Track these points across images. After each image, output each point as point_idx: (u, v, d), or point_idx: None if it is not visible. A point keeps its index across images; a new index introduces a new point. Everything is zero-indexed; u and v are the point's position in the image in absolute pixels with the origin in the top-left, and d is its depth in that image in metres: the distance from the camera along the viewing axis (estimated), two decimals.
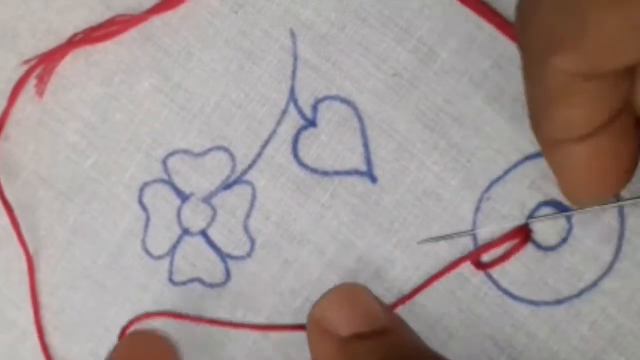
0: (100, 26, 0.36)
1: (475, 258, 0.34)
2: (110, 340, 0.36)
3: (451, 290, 0.34)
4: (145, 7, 0.36)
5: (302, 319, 0.35)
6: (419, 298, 0.34)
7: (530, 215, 0.33)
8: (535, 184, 0.33)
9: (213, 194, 0.36)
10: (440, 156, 0.34)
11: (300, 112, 0.35)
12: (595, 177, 0.30)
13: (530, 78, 0.29)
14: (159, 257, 0.36)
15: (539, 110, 0.29)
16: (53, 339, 0.37)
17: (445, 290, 0.34)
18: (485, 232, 0.34)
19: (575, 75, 0.27)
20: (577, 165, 0.30)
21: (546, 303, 0.33)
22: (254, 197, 0.35)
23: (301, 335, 0.35)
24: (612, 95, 0.28)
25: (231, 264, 0.36)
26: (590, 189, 0.30)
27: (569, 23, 0.26)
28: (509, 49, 0.33)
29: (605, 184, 0.30)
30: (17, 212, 0.37)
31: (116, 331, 0.36)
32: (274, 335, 0.35)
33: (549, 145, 0.30)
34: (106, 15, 0.36)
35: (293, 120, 0.35)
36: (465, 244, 0.34)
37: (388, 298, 0.34)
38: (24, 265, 0.37)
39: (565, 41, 0.26)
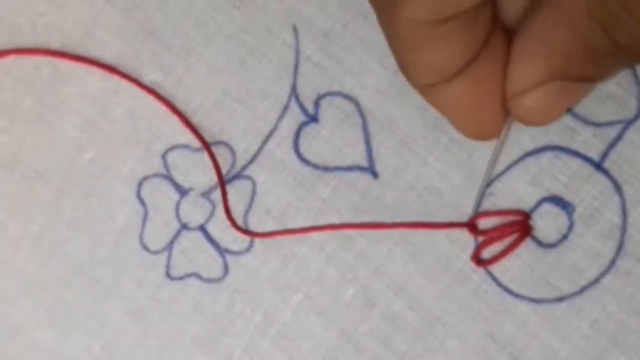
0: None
1: (475, 254, 0.34)
2: (105, 336, 0.36)
3: (451, 287, 0.34)
4: (145, 1, 0.36)
5: (302, 315, 0.34)
6: (419, 295, 0.34)
7: (532, 212, 0.33)
8: (536, 180, 0.33)
9: (213, 188, 0.35)
10: (441, 152, 0.34)
11: (302, 107, 0.35)
12: (480, 107, 0.29)
13: (386, 29, 0.28)
14: (157, 252, 0.36)
15: (402, 59, 0.28)
16: (47, 335, 0.36)
17: (445, 286, 0.34)
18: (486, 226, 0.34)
19: (427, 22, 0.26)
20: (457, 103, 0.29)
21: (547, 300, 0.33)
22: (254, 192, 0.35)
23: (299, 331, 0.35)
24: (472, 30, 0.27)
25: (230, 259, 0.35)
26: (479, 121, 0.30)
27: None
28: None
29: (492, 111, 0.29)
30: (13, 207, 0.36)
31: (111, 327, 0.36)
32: (272, 330, 0.35)
33: (423, 90, 0.29)
34: (107, 10, 0.36)
35: (295, 116, 0.35)
36: (465, 240, 0.34)
37: (388, 295, 0.34)
38: (16, 258, 0.36)
39: None
